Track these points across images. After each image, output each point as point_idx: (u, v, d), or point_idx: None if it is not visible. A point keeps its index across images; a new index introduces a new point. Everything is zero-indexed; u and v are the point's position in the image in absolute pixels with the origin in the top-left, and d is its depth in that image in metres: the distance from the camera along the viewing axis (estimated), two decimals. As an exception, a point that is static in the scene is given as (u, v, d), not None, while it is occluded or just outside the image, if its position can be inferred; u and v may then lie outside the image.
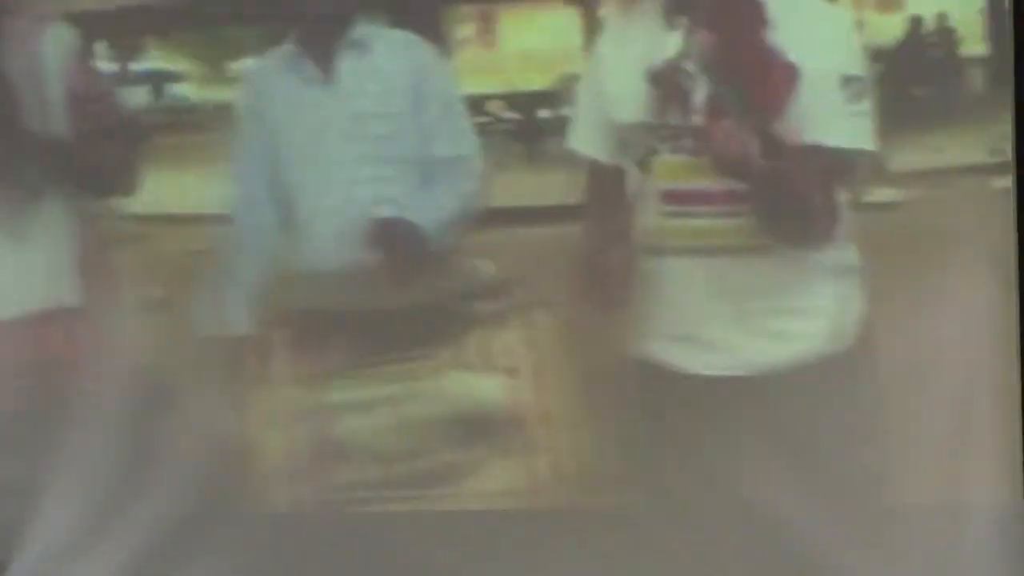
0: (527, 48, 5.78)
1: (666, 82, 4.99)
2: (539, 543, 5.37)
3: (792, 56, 4.81)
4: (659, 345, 5.20)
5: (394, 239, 5.73)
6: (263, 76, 5.86)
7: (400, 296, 5.72)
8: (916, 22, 5.57)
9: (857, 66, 4.92)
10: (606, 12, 5.46)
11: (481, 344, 5.64)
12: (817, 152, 4.77)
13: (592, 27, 5.56)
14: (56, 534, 5.44)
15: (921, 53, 5.52)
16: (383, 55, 5.82)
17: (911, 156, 5.29)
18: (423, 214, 5.77)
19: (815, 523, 4.92)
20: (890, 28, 5.47)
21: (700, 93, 4.91)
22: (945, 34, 5.57)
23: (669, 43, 4.94)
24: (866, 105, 4.90)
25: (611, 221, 5.26)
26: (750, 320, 5.11)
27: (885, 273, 5.10)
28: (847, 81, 4.89)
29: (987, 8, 5.45)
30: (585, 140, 5.24)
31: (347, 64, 5.75)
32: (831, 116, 4.84)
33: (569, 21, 5.65)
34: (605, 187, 5.28)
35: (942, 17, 5.54)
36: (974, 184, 5.17)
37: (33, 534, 5.45)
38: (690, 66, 4.94)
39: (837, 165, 4.87)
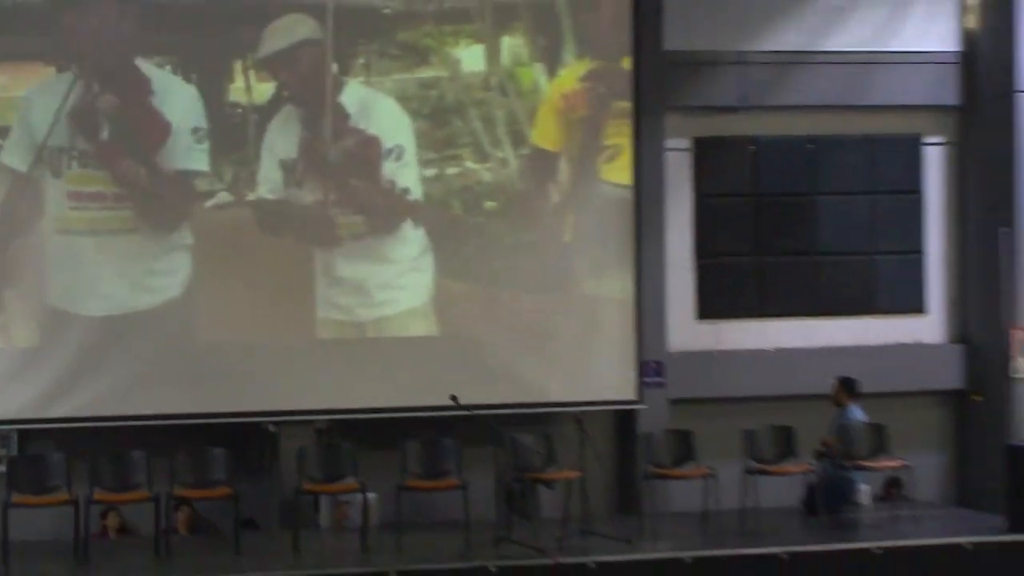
0: (6, 95, 8.93)
1: (80, 123, 8.55)
2: None
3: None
4: (67, 297, 8.73)
5: None
6: None
7: None
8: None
9: (201, 121, 8.70)
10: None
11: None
12: (185, 173, 8.64)
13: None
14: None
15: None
16: None
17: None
18: None
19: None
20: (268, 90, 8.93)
21: (104, 132, 8.56)
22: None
23: (83, 98, 8.58)
24: (206, 144, 8.75)
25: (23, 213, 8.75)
26: (131, 279, 8.77)
27: (211, 249, 8.87)
28: (194, 130, 8.70)
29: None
30: (12, 157, 8.74)
31: None
32: (186, 151, 8.62)
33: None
34: (21, 190, 8.79)
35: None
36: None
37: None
38: (99, 115, 8.57)
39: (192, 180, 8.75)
